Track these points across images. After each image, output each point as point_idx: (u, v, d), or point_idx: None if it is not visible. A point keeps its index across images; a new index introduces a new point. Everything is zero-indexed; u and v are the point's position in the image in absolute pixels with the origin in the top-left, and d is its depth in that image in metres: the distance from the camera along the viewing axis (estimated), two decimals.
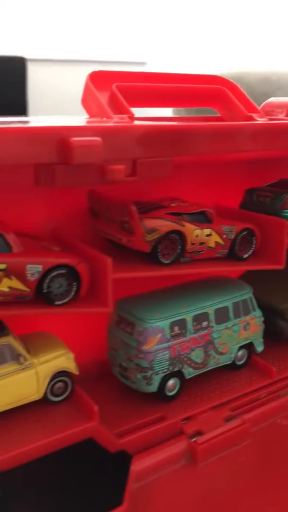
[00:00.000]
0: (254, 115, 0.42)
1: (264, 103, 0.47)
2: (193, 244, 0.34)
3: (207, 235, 0.35)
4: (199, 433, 0.36)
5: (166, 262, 0.34)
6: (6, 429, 0.31)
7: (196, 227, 0.34)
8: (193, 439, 0.35)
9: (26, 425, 0.31)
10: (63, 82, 3.45)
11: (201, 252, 0.35)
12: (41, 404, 0.32)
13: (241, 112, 0.42)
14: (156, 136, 0.29)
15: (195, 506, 0.33)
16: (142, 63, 3.72)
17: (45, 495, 0.32)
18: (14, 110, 3.31)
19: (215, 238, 0.36)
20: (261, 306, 0.43)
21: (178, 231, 0.33)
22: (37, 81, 3.24)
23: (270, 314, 0.44)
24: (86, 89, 0.38)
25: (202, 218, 0.36)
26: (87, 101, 0.38)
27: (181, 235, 0.33)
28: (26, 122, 0.30)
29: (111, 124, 0.31)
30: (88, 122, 0.34)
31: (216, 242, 0.36)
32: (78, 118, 0.39)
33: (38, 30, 3.23)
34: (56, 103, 3.48)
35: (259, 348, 0.42)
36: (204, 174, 0.42)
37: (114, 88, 0.38)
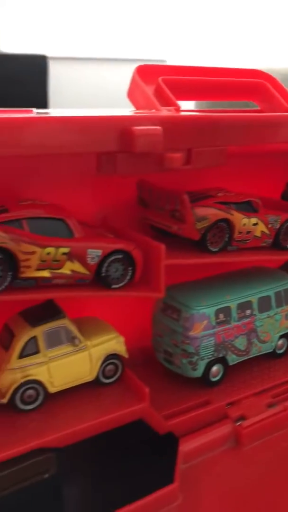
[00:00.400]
0: None
1: None
2: (240, 232, 0.35)
3: (254, 224, 0.36)
4: (242, 417, 0.36)
5: (214, 250, 0.34)
6: (61, 408, 0.32)
7: (244, 216, 0.35)
8: (238, 423, 0.36)
9: (80, 405, 0.32)
10: (83, 80, 3.47)
11: (248, 241, 0.36)
12: (93, 386, 0.34)
13: (281, 105, 0.42)
14: (211, 126, 0.30)
15: (240, 487, 0.34)
16: (162, 61, 3.72)
17: (97, 473, 0.33)
18: (36, 106, 3.34)
19: (261, 227, 0.36)
20: None
21: (227, 219, 0.34)
22: (58, 78, 3.27)
23: None
24: (133, 82, 0.39)
25: (248, 208, 0.36)
26: (134, 94, 0.39)
27: (229, 224, 0.34)
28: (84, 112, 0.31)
29: (166, 114, 0.32)
30: (139, 113, 0.35)
31: (262, 232, 0.37)
32: (125, 110, 0.40)
33: (58, 29, 3.25)
34: (76, 100, 3.50)
35: None
36: (246, 165, 0.43)
37: (160, 81, 0.39)
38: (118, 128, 0.26)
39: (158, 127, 0.27)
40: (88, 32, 3.54)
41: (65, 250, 0.28)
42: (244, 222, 0.35)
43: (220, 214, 0.34)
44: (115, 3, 2.85)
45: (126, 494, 0.30)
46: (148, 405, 0.33)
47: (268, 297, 0.40)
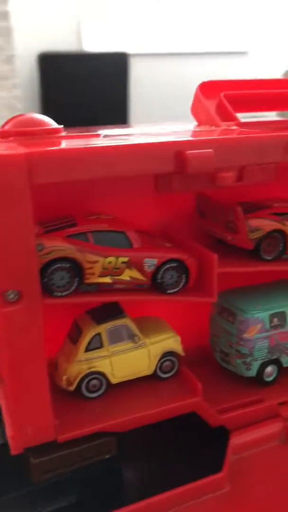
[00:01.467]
0: None
1: None
2: None
3: None
4: None
5: (268, 258, 0.37)
6: (123, 398, 0.36)
7: None
8: None
9: (139, 396, 0.36)
10: (163, 74, 3.49)
11: None
12: (151, 380, 0.37)
13: None
14: (261, 146, 0.32)
15: (286, 482, 0.36)
16: (244, 53, 3.64)
17: (152, 457, 0.37)
18: (117, 102, 3.40)
19: None
20: None
21: (281, 230, 0.36)
22: (138, 74, 3.32)
23: None
24: (196, 98, 0.42)
25: None
26: (196, 109, 0.42)
27: (283, 234, 0.36)
28: (140, 135, 0.35)
29: (220, 133, 0.35)
30: (198, 131, 0.38)
31: None
32: (188, 125, 0.43)
33: (138, 26, 3.29)
34: (155, 95, 3.52)
35: None
36: None
37: (221, 96, 0.41)
38: (173, 152, 0.29)
39: (209, 150, 0.29)
40: (166, 27, 3.54)
41: (124, 259, 0.31)
42: None
43: (274, 225, 0.36)
44: None
45: (177, 478, 0.33)
46: (201, 400, 0.36)
47: None
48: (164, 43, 3.36)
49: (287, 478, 0.36)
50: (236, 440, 0.36)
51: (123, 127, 0.41)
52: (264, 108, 0.45)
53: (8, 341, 0.29)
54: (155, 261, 0.33)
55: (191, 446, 0.37)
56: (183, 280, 0.34)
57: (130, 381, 0.37)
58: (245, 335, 0.38)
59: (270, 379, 0.40)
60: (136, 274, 0.32)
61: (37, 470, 0.31)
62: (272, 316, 0.39)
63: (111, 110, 3.20)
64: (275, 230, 0.36)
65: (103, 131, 0.36)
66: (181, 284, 0.34)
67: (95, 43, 3.25)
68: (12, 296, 0.29)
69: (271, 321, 0.39)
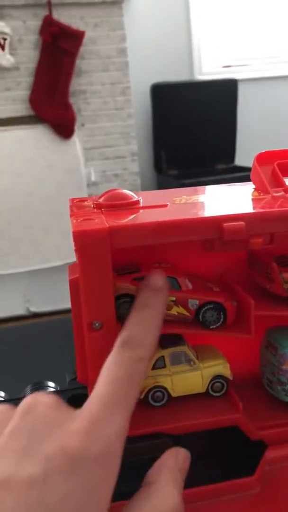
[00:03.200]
0: None
1: None
2: None
3: None
4: None
5: None
6: (179, 408, 0.46)
7: None
8: None
9: (194, 409, 0.46)
10: (269, 98, 3.52)
11: None
12: (205, 397, 0.46)
13: None
14: (285, 217, 0.40)
15: None
16: None
17: (198, 458, 0.46)
18: (226, 127, 3.49)
19: None
20: None
21: None
22: (246, 99, 3.39)
23: None
24: (253, 167, 0.51)
25: None
26: (254, 177, 0.51)
27: None
28: (191, 207, 0.45)
29: (264, 202, 0.44)
30: (246, 199, 0.47)
31: None
32: (248, 188, 0.51)
33: (245, 51, 3.37)
34: (264, 118, 3.56)
35: None
36: None
37: (275, 165, 0.50)
38: (214, 224, 0.39)
39: (241, 223, 0.39)
40: (273, 50, 3.58)
41: (173, 298, 0.42)
42: None
43: None
44: None
45: (216, 476, 0.42)
46: (242, 416, 0.44)
47: None
48: (272, 66, 3.39)
49: None
50: (271, 453, 0.44)
51: (196, 193, 0.51)
52: None
53: (93, 360, 0.41)
54: (197, 302, 0.42)
55: (233, 455, 0.45)
56: (221, 319, 0.43)
57: (188, 397, 0.46)
58: (284, 367, 0.46)
59: None
60: (182, 310, 0.42)
61: None
62: None
63: (220, 135, 3.30)
64: None
65: (173, 199, 0.47)
66: (220, 322, 0.43)
67: (206, 71, 3.38)
68: (97, 325, 0.40)
69: None
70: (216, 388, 0.47)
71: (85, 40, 2.79)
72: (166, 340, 0.46)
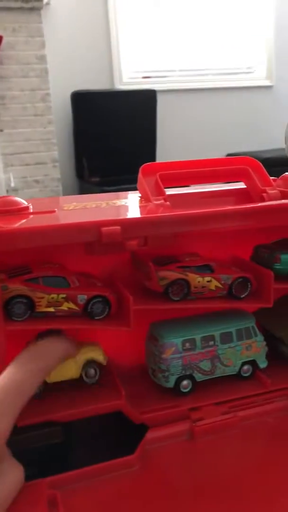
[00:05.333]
0: (267, 188, 0.56)
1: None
2: (196, 287, 0.50)
3: (208, 281, 0.51)
4: (200, 419, 0.51)
5: (176, 299, 0.50)
6: (68, 397, 0.49)
7: (198, 276, 0.50)
8: (195, 423, 0.50)
9: (82, 397, 0.50)
10: (186, 108, 3.67)
11: (204, 293, 0.51)
12: (91, 387, 0.51)
13: (257, 187, 0.56)
14: (159, 223, 0.46)
15: (190, 470, 0.48)
16: (269, 87, 3.77)
17: (87, 443, 0.50)
18: (146, 135, 3.58)
19: (215, 283, 0.51)
20: (270, 334, 0.57)
21: (183, 279, 0.49)
22: (165, 109, 3.51)
23: (275, 340, 0.57)
24: (139, 177, 0.56)
25: (205, 269, 0.51)
26: (139, 186, 0.56)
27: (186, 281, 0.49)
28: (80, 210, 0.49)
29: (144, 209, 0.49)
30: (129, 206, 0.52)
31: (216, 286, 0.51)
32: (133, 196, 0.56)
33: (164, 64, 3.49)
34: (181, 127, 3.70)
35: (262, 365, 0.55)
36: (229, 237, 0.57)
37: (157, 176, 0.55)
38: (94, 228, 0.43)
39: (117, 227, 0.43)
40: (190, 64, 3.74)
41: (63, 295, 0.46)
42: (198, 280, 0.50)
43: (177, 275, 0.49)
44: (215, 33, 3.00)
45: (104, 457, 0.46)
46: (124, 402, 0.49)
47: (230, 332, 0.53)
48: (189, 79, 3.55)
49: (189, 464, 0.48)
50: (151, 434, 0.49)
51: (86, 200, 0.55)
52: (197, 182, 0.59)
53: None
54: (85, 296, 0.47)
55: (118, 437, 0.50)
56: (107, 311, 0.48)
57: (78, 387, 0.50)
58: (163, 356, 0.51)
59: (186, 390, 0.53)
60: (72, 305, 0.46)
61: None
62: (184, 341, 0.52)
63: (141, 143, 3.39)
64: (179, 279, 0.49)
65: (63, 206, 0.51)
66: (105, 313, 0.48)
67: (126, 81, 3.47)
68: None
69: (183, 345, 0.52)
70: (90, 374, 0.51)
71: (3, 44, 2.77)
72: (46, 335, 0.50)
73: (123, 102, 3.33)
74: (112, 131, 3.33)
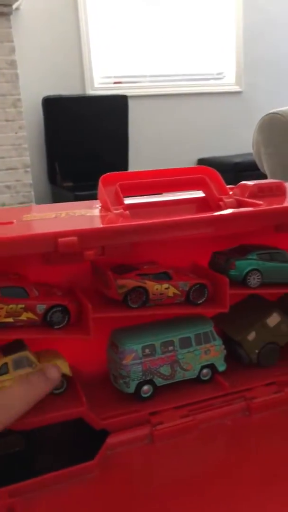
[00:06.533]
0: (224, 197, 0.58)
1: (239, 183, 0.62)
2: (154, 294, 0.51)
3: (166, 288, 0.52)
4: (160, 423, 0.52)
5: (134, 306, 0.51)
6: None
7: (156, 283, 0.51)
8: (154, 427, 0.52)
9: (42, 404, 0.50)
10: (157, 113, 3.69)
11: (162, 300, 0.52)
12: (52, 395, 0.51)
13: (214, 196, 0.58)
14: (116, 232, 0.47)
15: (150, 473, 0.49)
16: (238, 92, 3.83)
17: (48, 451, 0.51)
18: (119, 140, 3.59)
19: (173, 290, 0.52)
20: (228, 338, 0.59)
21: (141, 286, 0.50)
22: (136, 114, 3.52)
23: (233, 344, 0.59)
24: (99, 187, 0.57)
25: (163, 276, 0.52)
26: (99, 196, 0.57)
27: (144, 289, 0.51)
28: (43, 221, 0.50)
29: (103, 219, 0.50)
30: (87, 216, 0.53)
31: (174, 293, 0.52)
32: (94, 207, 0.57)
33: (135, 69, 3.50)
34: (153, 132, 3.72)
35: (220, 368, 0.57)
36: (189, 244, 0.58)
37: (117, 186, 0.56)
38: (51, 238, 0.44)
39: (74, 238, 0.44)
40: (160, 70, 3.75)
41: (22, 306, 0.46)
42: (156, 287, 0.51)
43: (135, 283, 0.50)
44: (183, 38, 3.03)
45: (64, 464, 0.47)
46: (85, 409, 0.50)
47: (189, 337, 0.55)
48: (161, 84, 3.58)
49: (149, 468, 0.49)
50: (112, 439, 0.50)
51: (46, 210, 0.56)
52: (153, 191, 0.60)
53: None
54: (44, 306, 0.47)
55: (80, 443, 0.51)
56: (66, 319, 0.48)
57: None
58: (123, 362, 0.52)
59: (147, 395, 0.54)
60: (31, 315, 0.47)
61: None
62: (144, 347, 0.53)
63: (113, 149, 3.40)
64: (137, 287, 0.50)
65: (22, 217, 0.52)
66: (65, 322, 0.48)
67: (98, 86, 3.47)
68: None
69: (143, 351, 0.53)
70: (57, 386, 0.51)
71: None
72: (8, 348, 0.50)
73: (94, 107, 3.34)
74: (85, 136, 3.33)
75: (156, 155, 3.45)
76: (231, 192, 0.60)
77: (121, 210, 0.53)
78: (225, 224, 0.53)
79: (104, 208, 0.55)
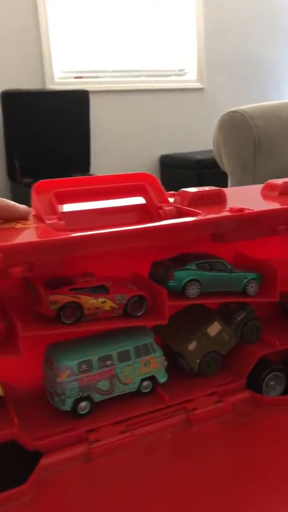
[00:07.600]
0: (163, 205, 0.57)
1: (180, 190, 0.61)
2: (89, 309, 0.50)
3: (102, 302, 0.50)
4: (97, 440, 0.51)
5: (68, 322, 0.49)
6: None
7: (92, 298, 0.50)
8: (91, 445, 0.50)
9: None
10: (119, 109, 3.67)
11: (98, 314, 0.51)
12: None
13: (154, 204, 0.57)
14: (45, 248, 0.45)
15: (87, 493, 0.47)
16: (200, 89, 3.84)
17: None
18: (80, 136, 3.55)
19: (110, 303, 0.51)
20: (170, 349, 0.58)
21: (75, 302, 0.49)
22: (98, 109, 3.49)
23: (175, 354, 0.58)
24: (32, 195, 0.55)
25: (99, 290, 0.51)
26: (33, 204, 0.55)
27: (78, 304, 0.49)
28: None
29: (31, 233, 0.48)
30: (21, 227, 0.51)
31: (111, 306, 0.51)
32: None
33: (96, 64, 3.46)
34: (114, 128, 3.69)
35: (161, 380, 0.56)
36: (129, 254, 0.57)
37: (52, 194, 0.54)
38: None
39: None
40: (122, 66, 3.74)
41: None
42: (92, 302, 0.50)
43: (69, 298, 0.48)
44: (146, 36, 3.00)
45: None
46: (17, 430, 0.48)
47: (128, 350, 0.53)
48: (122, 80, 3.55)
49: (86, 488, 0.48)
50: (46, 460, 0.48)
51: None
52: (92, 199, 0.58)
53: None
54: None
55: (13, 465, 0.49)
56: None
57: None
58: (58, 379, 0.51)
59: (84, 412, 0.52)
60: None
61: None
62: (80, 363, 0.51)
63: (75, 144, 3.35)
64: (70, 302, 0.48)
65: None
66: None
67: (58, 81, 3.41)
68: None
69: (79, 367, 0.51)
70: None
71: None
72: None
73: (54, 102, 3.28)
74: (45, 132, 3.27)
75: (118, 151, 3.43)
76: (171, 200, 0.59)
77: (55, 220, 0.51)
78: (162, 235, 0.52)
79: (37, 218, 0.53)
